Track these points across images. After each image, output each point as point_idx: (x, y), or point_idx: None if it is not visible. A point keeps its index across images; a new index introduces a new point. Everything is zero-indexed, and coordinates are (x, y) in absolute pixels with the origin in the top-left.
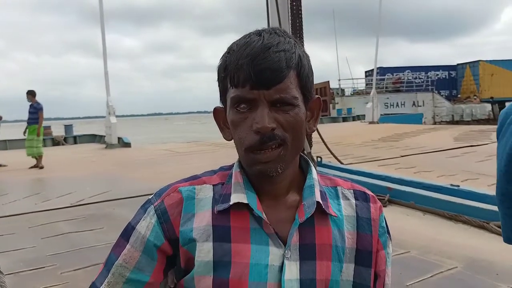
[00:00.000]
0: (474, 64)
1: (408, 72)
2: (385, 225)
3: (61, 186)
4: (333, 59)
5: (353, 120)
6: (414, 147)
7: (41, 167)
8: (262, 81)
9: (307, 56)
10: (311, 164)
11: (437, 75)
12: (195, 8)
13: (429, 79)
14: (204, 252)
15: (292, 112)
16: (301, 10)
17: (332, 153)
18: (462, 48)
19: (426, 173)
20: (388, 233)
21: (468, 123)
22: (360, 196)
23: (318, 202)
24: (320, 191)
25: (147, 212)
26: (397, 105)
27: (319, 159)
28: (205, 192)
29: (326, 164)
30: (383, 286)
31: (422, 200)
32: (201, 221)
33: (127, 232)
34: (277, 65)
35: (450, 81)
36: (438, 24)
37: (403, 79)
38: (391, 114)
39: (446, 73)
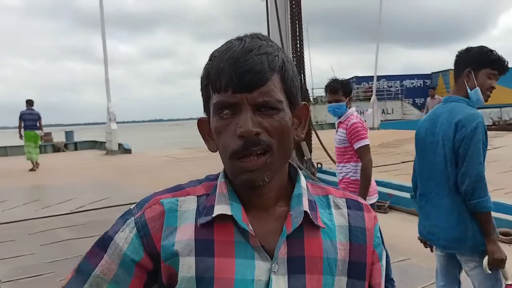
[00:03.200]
0: (445, 73)
1: (384, 80)
2: (380, 235)
3: (61, 192)
4: (327, 65)
5: None
6: (414, 153)
7: (31, 170)
8: (244, 84)
9: (291, 62)
10: (300, 173)
11: (412, 83)
12: (189, 15)
13: (404, 88)
14: (186, 267)
15: (277, 117)
16: (301, 16)
17: (332, 160)
18: None
19: None
20: (383, 244)
21: None
22: (353, 205)
23: (306, 212)
24: (310, 200)
25: (127, 224)
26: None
27: (319, 165)
28: (189, 204)
29: (326, 170)
30: None
31: None
32: (183, 235)
33: (105, 241)
34: (259, 67)
35: (425, 89)
36: (435, 30)
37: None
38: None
39: (421, 81)
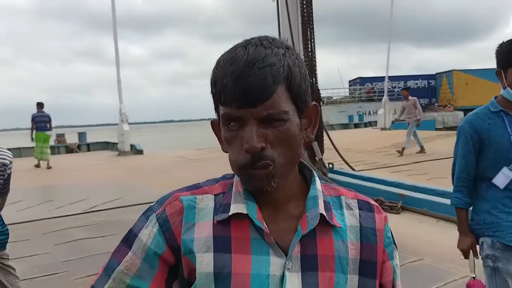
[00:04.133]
0: (449, 73)
1: (388, 81)
2: (390, 236)
3: (74, 193)
4: (335, 65)
5: (365, 126)
6: (427, 153)
7: (37, 166)
8: (248, 100)
9: (300, 62)
10: (315, 174)
11: (416, 84)
12: (199, 16)
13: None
14: (205, 263)
15: (282, 128)
16: (312, 17)
17: (344, 160)
18: (472, 54)
19: (439, 179)
20: (394, 243)
21: (440, 130)
22: (364, 206)
23: (321, 214)
24: (324, 201)
25: (149, 220)
26: (369, 113)
27: (330, 165)
28: (206, 202)
29: (338, 170)
30: None
31: (435, 207)
32: (202, 232)
33: (129, 239)
34: (263, 82)
35: (429, 90)
36: (447, 29)
37: (376, 89)
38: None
39: (426, 82)
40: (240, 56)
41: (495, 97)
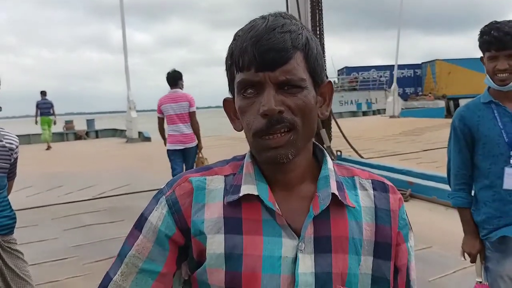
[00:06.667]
0: (432, 63)
1: (374, 71)
2: (406, 217)
3: (83, 179)
4: (341, 52)
5: (374, 114)
6: (436, 141)
7: (47, 149)
8: (267, 62)
9: (316, 40)
10: (326, 154)
11: (402, 73)
12: (205, 2)
13: (390, 78)
14: (216, 244)
15: (301, 95)
16: (321, 3)
17: (352, 147)
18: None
19: None
20: (410, 225)
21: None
22: (379, 187)
23: (333, 194)
24: (337, 181)
25: (159, 203)
26: (351, 102)
27: (339, 153)
28: (216, 183)
29: (346, 158)
30: (405, 280)
31: (444, 195)
32: (212, 213)
33: (140, 223)
34: (282, 45)
35: (415, 79)
36: (456, 16)
37: (359, 78)
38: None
39: (412, 71)
40: (260, 24)
41: (488, 88)
